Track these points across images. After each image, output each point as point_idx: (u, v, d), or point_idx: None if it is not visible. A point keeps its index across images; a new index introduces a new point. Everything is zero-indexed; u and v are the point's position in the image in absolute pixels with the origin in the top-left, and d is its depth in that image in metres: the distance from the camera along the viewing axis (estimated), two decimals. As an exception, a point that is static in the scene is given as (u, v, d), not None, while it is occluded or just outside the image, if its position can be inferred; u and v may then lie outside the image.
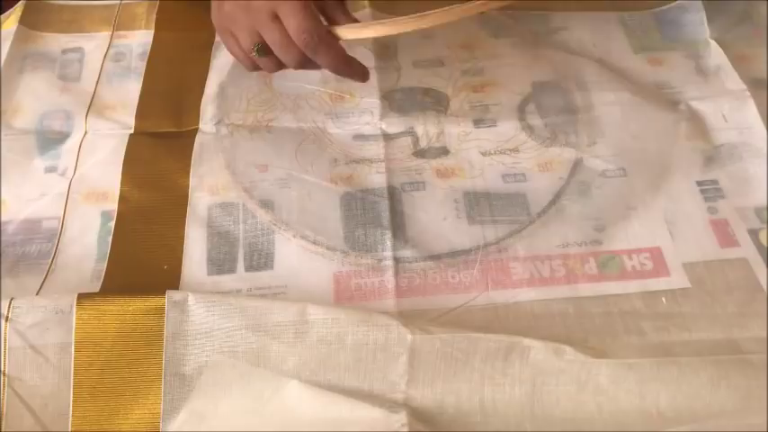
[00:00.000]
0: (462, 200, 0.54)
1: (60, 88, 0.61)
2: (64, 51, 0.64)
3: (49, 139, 0.57)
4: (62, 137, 0.57)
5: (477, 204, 0.53)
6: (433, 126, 0.59)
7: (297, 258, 0.51)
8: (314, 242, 0.51)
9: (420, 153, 0.57)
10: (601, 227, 0.52)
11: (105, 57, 0.63)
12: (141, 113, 0.59)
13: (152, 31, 0.65)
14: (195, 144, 0.57)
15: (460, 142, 0.58)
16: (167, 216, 0.53)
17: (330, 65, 0.51)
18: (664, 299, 0.49)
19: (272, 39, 0.49)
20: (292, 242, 0.51)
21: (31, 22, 0.66)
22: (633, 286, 0.49)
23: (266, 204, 0.53)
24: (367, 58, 0.63)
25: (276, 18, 0.49)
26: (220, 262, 0.50)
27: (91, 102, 0.60)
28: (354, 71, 0.54)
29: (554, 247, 0.51)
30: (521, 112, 0.59)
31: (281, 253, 0.51)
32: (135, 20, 0.67)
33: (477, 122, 0.59)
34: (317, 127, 0.59)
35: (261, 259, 0.51)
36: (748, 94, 0.59)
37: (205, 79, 0.62)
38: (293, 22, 0.48)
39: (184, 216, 0.53)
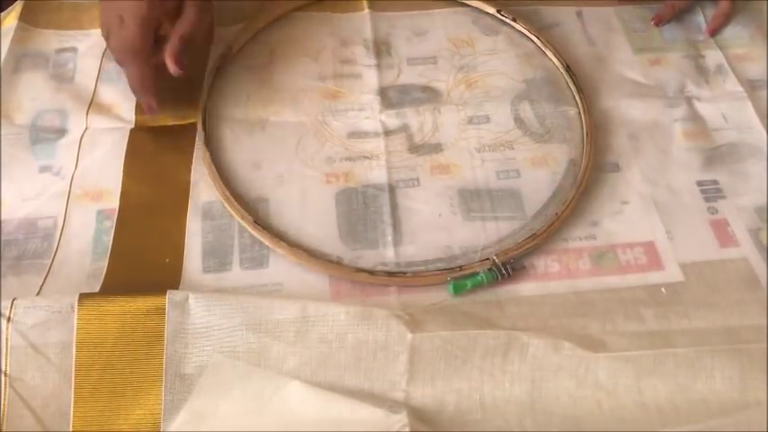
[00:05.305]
0: (457, 196, 0.54)
1: (54, 88, 0.60)
2: (57, 51, 0.63)
3: (44, 138, 0.57)
4: (57, 136, 0.57)
5: (473, 201, 0.54)
6: (428, 122, 0.59)
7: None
8: (308, 252, 0.50)
9: (415, 149, 0.57)
10: (595, 222, 0.52)
11: (104, 54, 0.63)
12: (142, 108, 0.59)
13: None
14: (196, 138, 0.57)
15: (455, 138, 0.58)
16: (169, 211, 0.53)
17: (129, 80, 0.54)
18: (663, 289, 0.49)
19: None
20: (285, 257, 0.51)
21: (30, 19, 0.65)
22: (630, 280, 0.50)
23: (262, 201, 0.53)
24: (366, 56, 0.63)
25: (122, 22, 0.52)
26: (218, 258, 0.50)
27: (92, 98, 0.60)
28: (145, 100, 0.55)
29: (550, 243, 0.51)
30: (515, 108, 0.59)
31: (275, 252, 0.51)
32: None
33: (472, 119, 0.59)
34: (318, 121, 0.59)
35: (256, 257, 0.51)
36: (748, 94, 0.60)
37: (205, 72, 0.61)
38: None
39: (185, 211, 0.53)
